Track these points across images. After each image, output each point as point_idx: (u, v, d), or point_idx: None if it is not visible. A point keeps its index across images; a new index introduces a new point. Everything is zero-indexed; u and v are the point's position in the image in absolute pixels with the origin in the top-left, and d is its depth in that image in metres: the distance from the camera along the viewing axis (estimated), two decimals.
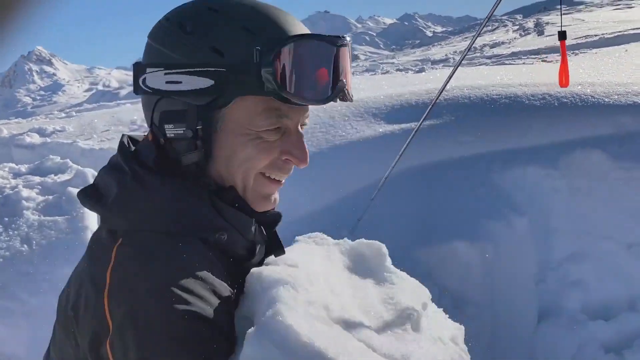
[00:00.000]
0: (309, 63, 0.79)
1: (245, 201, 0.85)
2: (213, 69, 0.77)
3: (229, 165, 0.82)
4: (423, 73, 6.65)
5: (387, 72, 7.64)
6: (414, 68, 7.53)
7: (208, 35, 0.79)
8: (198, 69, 0.78)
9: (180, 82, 0.79)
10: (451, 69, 6.86)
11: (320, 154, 3.64)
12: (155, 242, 0.75)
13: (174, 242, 0.75)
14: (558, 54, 7.26)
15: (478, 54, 8.23)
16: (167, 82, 0.80)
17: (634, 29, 8.35)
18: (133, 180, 0.79)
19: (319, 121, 4.02)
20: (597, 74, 5.31)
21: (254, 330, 0.65)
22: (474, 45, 9.54)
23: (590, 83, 4.79)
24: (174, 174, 0.81)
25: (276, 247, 0.90)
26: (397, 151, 3.12)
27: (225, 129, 0.80)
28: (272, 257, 0.87)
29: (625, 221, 3.95)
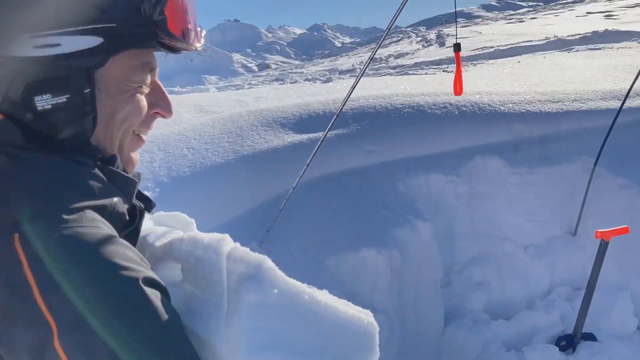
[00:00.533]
0: (187, 10, 0.81)
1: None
2: (100, 26, 0.72)
3: (108, 127, 0.79)
4: (330, 83, 6.71)
5: (296, 81, 7.66)
6: (321, 78, 7.60)
7: None
8: (81, 27, 0.71)
9: (59, 45, 0.71)
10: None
11: (227, 165, 3.55)
12: (61, 224, 0.66)
13: (79, 217, 0.68)
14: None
15: (383, 64, 8.47)
16: (35, 47, 0.70)
17: (525, 41, 8.91)
18: (11, 162, 0.69)
19: (226, 131, 3.93)
20: (493, 84, 5.58)
21: (250, 279, 0.71)
22: (380, 55, 9.80)
23: (487, 92, 5.03)
24: (52, 149, 0.73)
25: (147, 204, 0.90)
26: (305, 161, 3.11)
27: (104, 90, 0.76)
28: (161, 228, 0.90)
29: (521, 223, 4.18)
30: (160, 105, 0.86)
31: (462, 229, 4.01)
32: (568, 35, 9.32)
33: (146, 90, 0.82)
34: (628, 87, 4.05)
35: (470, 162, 4.18)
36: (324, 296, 0.77)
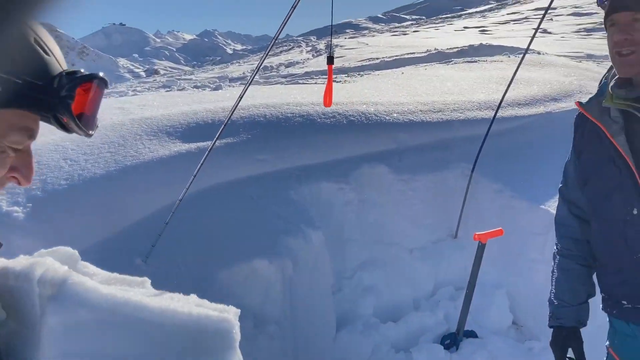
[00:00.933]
0: (96, 98, 0.80)
1: None
2: (5, 76, 0.69)
3: None
4: (220, 90, 6.61)
5: (184, 88, 7.47)
6: (211, 85, 7.47)
7: None
8: None
9: None
10: (249, 86, 6.90)
11: (109, 177, 3.37)
12: None
13: None
14: (346, 74, 7.75)
15: (274, 73, 8.50)
16: None
17: (408, 54, 9.36)
18: None
19: (107, 140, 3.73)
20: (379, 94, 5.78)
21: (52, 301, 0.66)
22: (270, 64, 9.76)
23: (373, 102, 5.19)
24: None
25: None
26: (193, 171, 3.02)
27: None
28: None
29: (407, 228, 4.35)
30: (21, 171, 0.81)
31: (351, 235, 4.10)
32: (447, 49, 9.89)
33: (13, 153, 0.79)
34: (500, 98, 4.36)
35: (358, 169, 4.28)
36: (160, 301, 0.73)
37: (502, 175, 4.51)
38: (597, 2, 1.68)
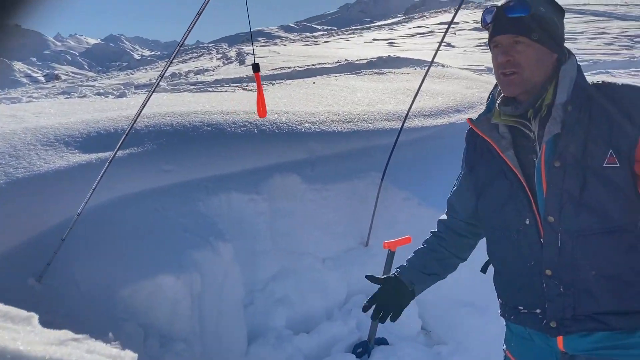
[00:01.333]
0: None
1: None
2: None
3: None
4: (124, 98, 6.34)
5: (85, 95, 7.09)
6: (115, 92, 7.15)
7: None
8: None
9: None
10: (156, 94, 6.65)
11: None
12: None
13: None
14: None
15: (183, 80, 8.28)
16: None
17: (319, 64, 9.45)
18: None
19: None
20: (290, 104, 5.77)
21: None
22: (179, 71, 9.48)
23: (285, 112, 5.17)
24: None
25: None
26: (93, 183, 2.84)
27: None
28: None
29: (319, 237, 4.34)
30: None
31: (263, 247, 4.03)
32: (357, 60, 10.09)
33: None
34: (407, 109, 4.48)
35: (270, 179, 4.23)
36: (45, 349, 0.64)
37: (410, 183, 4.63)
38: (481, 24, 1.75)
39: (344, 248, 4.47)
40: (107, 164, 2.73)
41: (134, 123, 2.67)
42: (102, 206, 3.30)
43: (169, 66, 2.59)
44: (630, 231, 1.63)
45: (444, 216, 2.15)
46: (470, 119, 1.85)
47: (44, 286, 2.77)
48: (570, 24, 19.04)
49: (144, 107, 2.63)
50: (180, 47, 2.54)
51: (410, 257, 2.11)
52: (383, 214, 4.44)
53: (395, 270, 2.08)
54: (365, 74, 8.58)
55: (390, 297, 2.02)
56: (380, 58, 10.11)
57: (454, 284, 2.96)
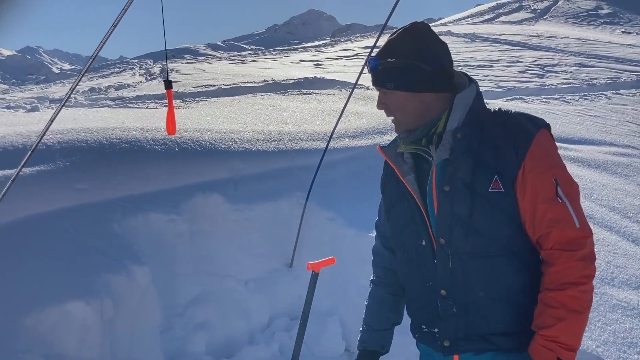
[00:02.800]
0: None
1: None
2: None
3: None
4: (37, 112, 6.00)
5: None
6: (27, 106, 6.76)
7: None
8: None
9: None
10: (72, 109, 6.33)
11: None
12: None
13: None
14: (181, 100, 7.51)
15: (102, 95, 7.96)
16: None
17: (245, 82, 9.38)
18: None
19: None
20: (214, 121, 5.66)
21: None
22: (99, 86, 9.09)
23: (208, 130, 5.06)
24: None
25: None
26: None
27: None
28: None
29: (241, 258, 4.24)
30: None
31: (183, 269, 3.88)
32: (284, 80, 10.10)
33: None
34: (332, 129, 4.49)
35: (191, 199, 4.11)
36: None
37: (334, 203, 4.63)
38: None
39: (268, 269, 4.39)
40: (11, 181, 2.53)
41: (41, 138, 2.50)
42: (6, 227, 3.06)
43: (80, 79, 2.45)
44: (519, 255, 1.73)
45: (376, 243, 2.19)
46: (380, 146, 1.95)
47: None
48: (487, 52, 20.02)
49: (52, 121, 2.47)
50: (93, 59, 2.41)
51: (364, 317, 2.14)
52: (308, 234, 4.41)
53: (360, 342, 2.12)
54: (291, 94, 8.60)
55: None
56: (306, 79, 10.17)
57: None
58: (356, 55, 18.92)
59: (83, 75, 2.44)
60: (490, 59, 18.18)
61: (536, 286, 1.72)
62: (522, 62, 17.77)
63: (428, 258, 1.80)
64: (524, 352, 1.71)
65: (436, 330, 1.82)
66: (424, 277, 1.83)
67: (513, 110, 1.83)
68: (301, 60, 17.92)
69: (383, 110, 1.85)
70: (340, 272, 4.18)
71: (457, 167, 1.73)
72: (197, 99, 7.68)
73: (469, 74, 1.89)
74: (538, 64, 17.35)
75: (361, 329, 2.14)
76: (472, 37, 23.80)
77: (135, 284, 3.20)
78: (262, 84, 9.45)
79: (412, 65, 1.76)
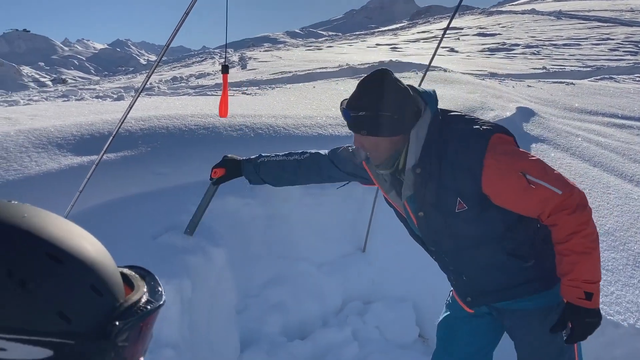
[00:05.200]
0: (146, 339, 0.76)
1: None
2: (57, 341, 0.63)
3: None
4: (122, 101, 6.31)
5: (82, 98, 7.07)
6: (113, 95, 7.12)
7: (54, 296, 0.64)
8: (35, 338, 0.61)
9: (5, 350, 0.60)
10: (155, 97, 6.62)
11: None
12: None
13: None
14: (257, 87, 7.65)
15: (183, 84, 8.27)
16: None
17: (320, 68, 9.41)
18: None
19: None
20: (289, 107, 5.73)
21: None
22: (181, 75, 9.44)
23: (282, 115, 5.12)
24: None
25: None
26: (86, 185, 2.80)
27: None
28: None
29: (315, 242, 4.28)
30: None
31: (257, 251, 3.97)
32: (359, 64, 10.05)
33: None
34: None
35: (266, 184, 4.17)
36: None
37: None
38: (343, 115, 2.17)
39: (341, 253, 4.41)
40: (94, 166, 2.68)
41: (120, 125, 2.63)
42: (93, 209, 3.25)
43: (155, 68, 2.55)
44: (493, 238, 2.14)
45: (327, 156, 2.77)
46: (365, 162, 2.30)
47: None
48: (574, 29, 18.99)
49: (130, 108, 2.59)
50: (167, 48, 2.49)
51: (269, 156, 2.93)
52: (380, 219, 4.37)
53: (245, 160, 2.95)
54: None
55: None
56: (382, 62, 10.06)
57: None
58: (434, 37, 18.50)
59: (158, 65, 2.53)
60: (578, 37, 17.22)
61: (517, 250, 2.14)
62: (612, 39, 16.69)
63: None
64: (527, 296, 2.21)
65: (457, 290, 2.42)
66: (435, 258, 2.41)
67: (463, 125, 2.09)
68: (377, 45, 17.75)
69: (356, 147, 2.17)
70: (413, 258, 4.12)
71: (423, 196, 2.09)
72: (272, 85, 7.79)
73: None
74: (631, 41, 16.23)
75: (259, 157, 2.88)
76: (558, 15, 22.62)
77: (212, 265, 3.31)
78: (337, 69, 9.45)
79: (380, 115, 2.03)
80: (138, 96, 2.58)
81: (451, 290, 2.62)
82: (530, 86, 9.75)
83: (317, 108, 5.77)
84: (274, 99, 6.45)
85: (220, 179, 3.00)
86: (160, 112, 4.64)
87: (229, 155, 3.00)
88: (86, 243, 0.72)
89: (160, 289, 0.77)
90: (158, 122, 4.29)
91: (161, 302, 0.74)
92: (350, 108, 2.09)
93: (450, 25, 4.36)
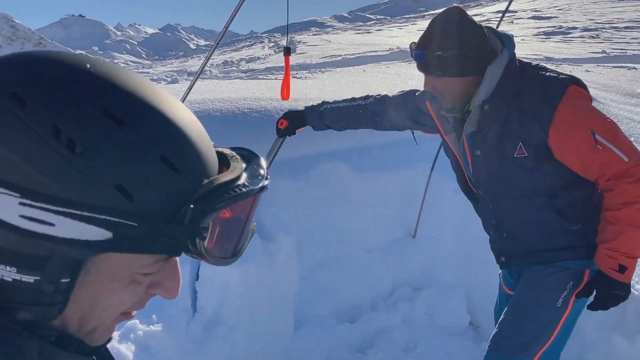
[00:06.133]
0: (239, 219, 0.63)
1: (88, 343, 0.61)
2: (115, 220, 0.52)
3: (85, 314, 0.59)
4: (176, 84, 6.43)
5: None
6: (167, 79, 7.26)
7: (111, 166, 0.52)
8: (88, 214, 0.52)
9: (53, 225, 0.51)
10: (208, 80, 6.72)
11: None
12: None
13: None
14: (307, 71, 7.68)
15: (234, 68, 8.36)
16: (21, 216, 0.51)
17: (371, 51, 9.33)
18: None
19: None
20: (339, 91, 5.70)
21: None
22: (232, 59, 9.56)
23: (333, 99, 5.10)
24: None
25: None
26: None
27: (94, 273, 0.57)
28: None
29: (365, 227, 4.27)
30: (164, 286, 0.63)
31: (308, 234, 3.99)
32: None
33: (149, 273, 0.61)
34: None
35: (317, 167, 4.19)
36: None
37: None
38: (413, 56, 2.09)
39: (391, 239, 4.39)
40: None
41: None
42: None
43: (212, 53, 2.58)
44: (543, 194, 2.07)
45: (395, 99, 2.65)
46: (429, 102, 2.27)
47: None
48: (637, 11, 18.13)
49: (188, 92, 2.63)
50: (224, 34, 2.52)
51: (333, 102, 2.91)
52: (432, 205, 4.33)
53: (308, 108, 2.98)
54: None
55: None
56: None
57: None
58: (487, 20, 18.01)
59: (215, 50, 2.56)
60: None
61: (567, 210, 2.07)
62: None
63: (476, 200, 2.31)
64: (561, 262, 2.11)
65: (495, 247, 2.33)
66: (480, 211, 2.35)
67: (542, 72, 2.01)
68: None
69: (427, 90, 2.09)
70: (465, 244, 4.08)
71: (485, 135, 2.04)
72: (322, 69, 7.78)
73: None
74: None
75: (322, 104, 2.87)
76: None
77: (280, 250, 3.36)
78: (388, 52, 9.35)
79: (455, 54, 1.95)
80: (196, 79, 2.62)
81: (500, 273, 2.61)
82: (588, 71, 9.40)
83: (368, 92, 5.71)
84: (324, 83, 6.45)
85: (286, 130, 3.01)
86: (214, 95, 4.70)
87: (292, 110, 3.04)
88: (165, 107, 0.57)
89: (262, 172, 0.64)
90: (212, 105, 4.35)
91: (256, 187, 0.60)
92: (422, 48, 2.00)
93: (504, 8, 4.24)
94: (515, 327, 2.15)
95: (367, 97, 2.77)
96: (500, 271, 2.58)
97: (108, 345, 0.68)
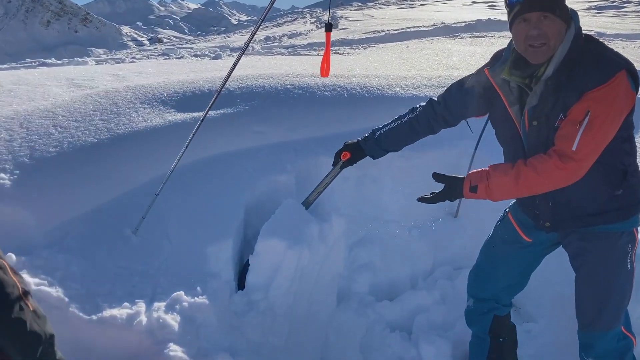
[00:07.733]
0: None
1: None
2: None
3: None
4: (220, 60, 6.47)
5: (182, 57, 7.31)
6: (211, 54, 7.31)
7: None
8: None
9: None
10: (250, 56, 6.73)
11: (100, 145, 3.27)
12: None
13: None
14: (350, 47, 7.60)
15: (277, 44, 8.34)
16: None
17: (414, 27, 9.15)
18: None
19: (99, 108, 3.62)
20: (382, 67, 5.64)
21: None
22: (274, 34, 9.57)
23: (376, 75, 5.06)
24: None
25: None
26: (187, 141, 2.92)
27: None
28: None
29: (406, 205, 4.24)
30: None
31: (348, 211, 3.99)
32: (454, 23, 9.69)
33: None
34: None
35: None
36: None
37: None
38: (506, 2, 2.05)
39: (432, 218, 4.35)
40: (199, 123, 2.78)
41: (223, 85, 2.70)
42: (195, 164, 3.40)
43: (257, 30, 2.57)
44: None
45: (438, 100, 2.73)
46: (488, 70, 2.26)
47: (139, 238, 2.91)
48: None
49: (233, 69, 2.64)
50: (268, 12, 2.50)
51: (382, 127, 2.94)
52: None
53: (363, 139, 3.03)
54: (462, 37, 8.21)
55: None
56: (479, 21, 9.63)
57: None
58: None
59: (260, 26, 2.55)
60: None
61: (610, 177, 2.17)
62: None
63: None
64: (606, 224, 2.24)
65: (537, 212, 2.39)
66: None
67: (601, 49, 2.05)
68: (473, 2, 16.97)
69: (534, 34, 1.99)
70: None
71: (542, 108, 2.11)
72: (365, 45, 7.68)
73: None
74: None
75: (374, 132, 2.92)
76: None
77: (331, 233, 3.38)
78: (432, 27, 9.15)
79: None
80: (241, 55, 2.62)
81: (506, 212, 2.77)
82: None
83: (412, 68, 5.64)
84: (367, 59, 6.38)
85: (347, 162, 3.09)
86: (257, 71, 4.72)
87: (348, 141, 3.10)
88: None
89: None
90: (255, 81, 4.37)
91: None
92: None
93: None
94: (602, 304, 2.33)
95: (413, 109, 2.85)
96: (508, 208, 2.75)
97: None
